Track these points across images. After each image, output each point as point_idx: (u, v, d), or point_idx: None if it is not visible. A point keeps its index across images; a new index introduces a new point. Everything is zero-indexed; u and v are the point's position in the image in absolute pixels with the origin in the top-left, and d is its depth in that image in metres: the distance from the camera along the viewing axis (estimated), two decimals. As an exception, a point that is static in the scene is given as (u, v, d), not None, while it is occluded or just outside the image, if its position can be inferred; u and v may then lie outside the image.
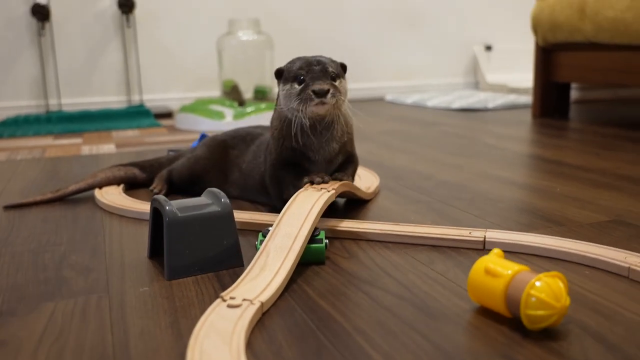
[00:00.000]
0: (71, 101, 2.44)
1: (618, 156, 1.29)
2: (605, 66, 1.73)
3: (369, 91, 2.92)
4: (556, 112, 2.01)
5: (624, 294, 0.59)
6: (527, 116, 2.01)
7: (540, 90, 1.98)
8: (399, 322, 0.54)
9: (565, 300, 0.51)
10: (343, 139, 0.88)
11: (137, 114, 2.23)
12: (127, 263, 0.72)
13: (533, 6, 1.98)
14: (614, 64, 1.70)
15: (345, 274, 0.67)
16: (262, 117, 1.91)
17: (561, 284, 0.52)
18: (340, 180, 0.85)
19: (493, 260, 0.56)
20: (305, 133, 0.84)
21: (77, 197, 1.04)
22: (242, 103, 2.15)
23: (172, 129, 1.96)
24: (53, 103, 2.41)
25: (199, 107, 1.98)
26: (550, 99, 1.99)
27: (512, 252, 0.71)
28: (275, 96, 2.40)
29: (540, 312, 0.51)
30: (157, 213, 0.71)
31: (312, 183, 0.82)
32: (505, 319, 0.54)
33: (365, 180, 1.06)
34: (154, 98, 2.54)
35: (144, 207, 0.91)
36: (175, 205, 0.68)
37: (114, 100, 2.50)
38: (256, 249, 0.71)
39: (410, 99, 2.57)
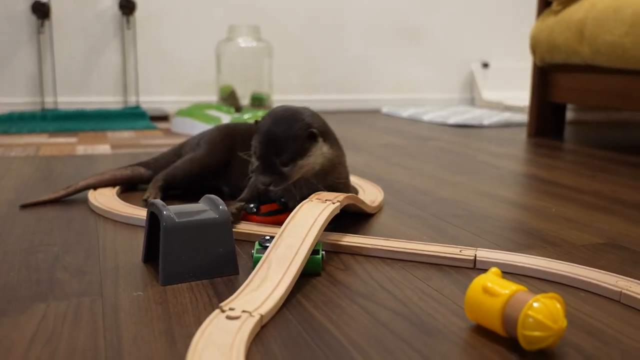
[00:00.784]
0: (67, 100, 2.43)
1: (613, 179, 1.29)
2: (601, 89, 1.74)
3: (366, 103, 2.93)
4: (551, 132, 2.02)
5: (619, 318, 0.59)
6: (522, 135, 2.02)
7: (536, 110, 1.99)
8: (395, 338, 0.54)
9: (563, 322, 0.51)
10: (324, 184, 0.86)
11: (133, 116, 2.22)
12: (121, 266, 0.71)
13: (532, 26, 1.99)
14: (611, 87, 1.71)
15: (342, 287, 0.66)
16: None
17: (559, 306, 0.52)
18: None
19: (491, 279, 0.56)
20: None
21: (72, 198, 1.04)
22: (238, 109, 2.15)
23: (168, 132, 1.95)
24: (49, 101, 2.40)
25: (195, 111, 1.97)
26: (546, 118, 2.01)
27: (504, 273, 0.71)
28: (271, 104, 2.37)
29: (537, 333, 0.51)
30: (153, 218, 0.71)
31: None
32: (501, 338, 0.54)
33: (369, 194, 1.06)
34: (150, 100, 2.54)
35: (135, 211, 0.91)
36: (173, 211, 0.68)
37: (110, 100, 2.49)
38: (252, 258, 0.71)
39: (406, 112, 2.58)
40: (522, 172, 1.38)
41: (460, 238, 0.85)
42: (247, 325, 0.53)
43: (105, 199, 0.98)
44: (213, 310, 0.59)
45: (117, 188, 1.06)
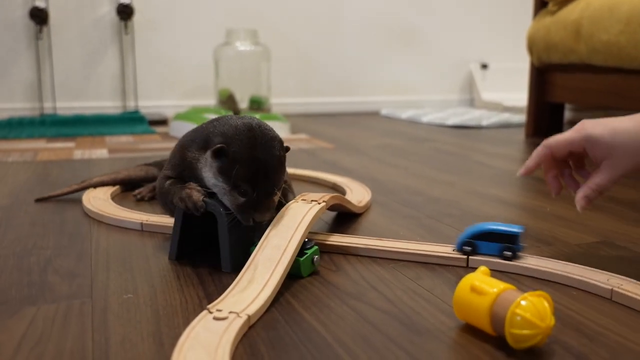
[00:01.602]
0: (66, 105, 2.43)
1: (609, 178, 1.29)
2: (598, 88, 1.74)
3: (365, 105, 2.93)
4: (549, 132, 2.01)
5: (609, 316, 0.59)
6: (520, 135, 2.01)
7: (534, 110, 1.99)
8: (383, 338, 0.54)
9: (550, 320, 0.51)
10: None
11: (132, 120, 2.22)
12: (112, 269, 0.71)
13: (529, 26, 1.99)
14: (607, 86, 1.71)
15: (332, 287, 0.66)
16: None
17: (546, 304, 0.52)
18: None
19: (479, 278, 0.56)
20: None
21: (67, 201, 1.04)
22: (237, 112, 2.16)
23: (166, 136, 1.96)
24: (48, 106, 2.41)
25: (193, 115, 1.98)
26: (544, 118, 2.00)
27: (495, 271, 0.71)
28: (269, 108, 2.35)
29: (524, 332, 0.50)
30: (186, 217, 0.73)
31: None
32: (489, 337, 0.54)
33: (356, 193, 1.06)
34: (149, 105, 2.54)
35: (128, 214, 0.91)
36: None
37: (109, 105, 2.50)
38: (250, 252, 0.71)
39: (405, 114, 2.58)
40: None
41: (453, 237, 0.84)
42: (234, 326, 0.53)
43: (99, 203, 0.98)
44: (203, 311, 0.59)
45: (111, 190, 1.06)
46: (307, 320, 0.58)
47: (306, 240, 0.71)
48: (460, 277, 0.68)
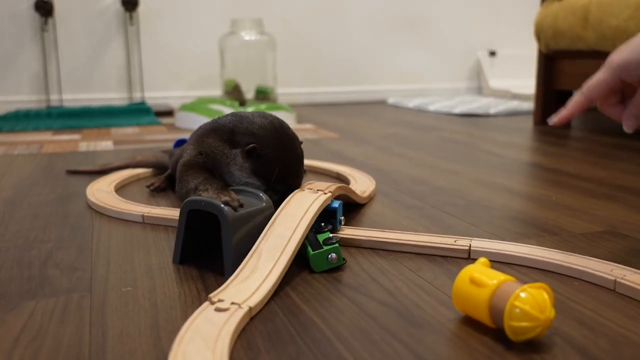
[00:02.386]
0: (72, 97, 2.44)
1: (615, 165, 1.28)
2: (607, 75, 1.72)
3: (371, 94, 2.91)
4: (558, 119, 1.99)
5: (611, 307, 0.58)
6: (528, 123, 2.00)
7: (542, 98, 1.97)
8: (381, 330, 0.54)
9: (550, 313, 0.50)
10: None
11: (138, 112, 2.23)
12: (112, 262, 0.71)
13: (537, 12, 1.97)
14: (617, 72, 1.68)
15: (332, 280, 0.66)
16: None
17: (546, 296, 0.51)
18: None
19: (478, 270, 0.55)
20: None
21: (70, 194, 1.04)
22: (243, 103, 2.15)
23: (172, 127, 1.96)
24: (54, 98, 2.41)
25: (199, 106, 1.97)
26: (552, 106, 1.98)
27: (498, 262, 0.71)
28: (275, 98, 2.34)
29: (524, 324, 0.50)
30: (190, 217, 0.70)
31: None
32: (489, 329, 0.54)
33: (361, 184, 1.05)
34: (155, 96, 2.54)
35: (130, 207, 0.91)
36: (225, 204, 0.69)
37: (115, 97, 2.50)
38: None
39: (412, 103, 2.56)
40: (525, 161, 1.36)
41: (457, 228, 0.84)
42: (235, 317, 0.53)
43: (102, 195, 0.98)
44: (201, 304, 0.59)
45: (116, 182, 1.07)
46: (305, 313, 0.57)
47: (331, 235, 0.70)
48: (461, 269, 0.68)
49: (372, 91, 2.91)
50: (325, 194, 0.77)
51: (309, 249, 0.68)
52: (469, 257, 0.72)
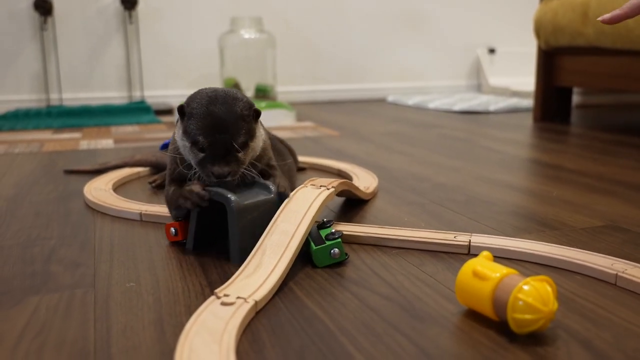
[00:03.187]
0: (72, 96, 2.44)
1: (615, 161, 1.28)
2: (607, 71, 1.72)
3: (371, 92, 2.91)
4: (557, 116, 2.00)
5: (613, 300, 0.59)
6: (528, 120, 2.00)
7: (542, 94, 1.97)
8: (384, 324, 0.54)
9: (553, 305, 0.50)
10: (258, 170, 0.77)
11: (138, 110, 2.23)
12: (115, 258, 0.72)
13: (536, 9, 1.97)
14: (616, 69, 1.69)
15: (334, 274, 0.66)
16: (263, 116, 1.90)
17: (549, 288, 0.51)
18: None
19: (481, 263, 0.55)
20: None
21: (71, 192, 1.04)
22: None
23: (172, 126, 1.96)
24: (54, 97, 2.41)
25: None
26: (552, 103, 1.98)
27: (498, 257, 0.71)
28: (275, 96, 2.33)
29: (527, 316, 0.50)
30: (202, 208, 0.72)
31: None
32: (492, 322, 0.54)
33: (363, 180, 1.05)
34: (155, 94, 2.54)
35: (129, 205, 0.91)
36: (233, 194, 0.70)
37: (115, 95, 2.50)
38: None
39: (411, 101, 2.57)
40: (525, 157, 1.36)
41: (458, 223, 0.84)
42: (241, 311, 0.53)
43: (100, 193, 0.98)
44: (205, 299, 0.59)
45: (114, 181, 1.07)
46: (309, 308, 0.57)
47: (333, 230, 0.70)
48: (463, 263, 0.68)
49: (371, 89, 2.91)
50: (328, 189, 0.77)
51: (312, 244, 0.68)
52: (469, 252, 0.73)
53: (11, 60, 2.36)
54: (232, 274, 0.65)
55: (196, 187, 0.71)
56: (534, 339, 0.51)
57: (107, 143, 1.61)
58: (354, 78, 2.88)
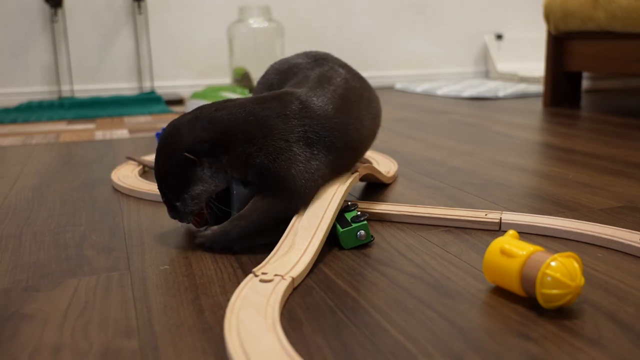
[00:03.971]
0: (83, 87, 2.46)
1: (627, 144, 1.29)
2: (617, 55, 1.73)
3: (379, 79, 2.92)
4: (567, 101, 2.01)
5: (636, 275, 0.60)
6: (537, 105, 2.01)
7: (552, 79, 1.98)
8: (415, 301, 0.56)
9: (580, 280, 0.52)
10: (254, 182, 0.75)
11: (149, 101, 2.24)
12: (146, 243, 0.73)
13: (545, -6, 1.97)
14: (627, 53, 1.69)
15: (361, 255, 0.68)
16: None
17: (576, 264, 0.53)
18: None
19: (508, 241, 0.57)
20: None
21: (94, 180, 1.06)
22: (252, 90, 2.16)
23: (184, 116, 1.97)
24: (65, 89, 2.43)
25: (210, 93, 1.99)
26: (562, 87, 1.99)
27: (527, 234, 0.72)
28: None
29: (555, 291, 0.52)
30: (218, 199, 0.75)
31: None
32: (519, 298, 0.55)
33: (383, 165, 1.07)
34: (164, 85, 2.56)
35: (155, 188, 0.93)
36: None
37: (125, 86, 2.52)
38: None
39: (420, 88, 2.57)
40: (537, 141, 1.38)
41: (478, 206, 0.85)
42: (280, 287, 0.56)
43: (128, 179, 1.00)
44: (238, 280, 0.61)
45: (139, 169, 1.08)
46: (340, 287, 0.59)
47: (359, 212, 0.72)
48: (486, 243, 0.70)
49: (379, 77, 2.92)
50: (352, 173, 0.79)
51: (338, 226, 0.70)
52: (500, 229, 0.74)
53: (22, 53, 2.37)
54: (262, 256, 0.67)
55: (193, 229, 0.77)
56: (562, 313, 0.52)
57: (122, 133, 1.63)
58: (361, 66, 2.89)
